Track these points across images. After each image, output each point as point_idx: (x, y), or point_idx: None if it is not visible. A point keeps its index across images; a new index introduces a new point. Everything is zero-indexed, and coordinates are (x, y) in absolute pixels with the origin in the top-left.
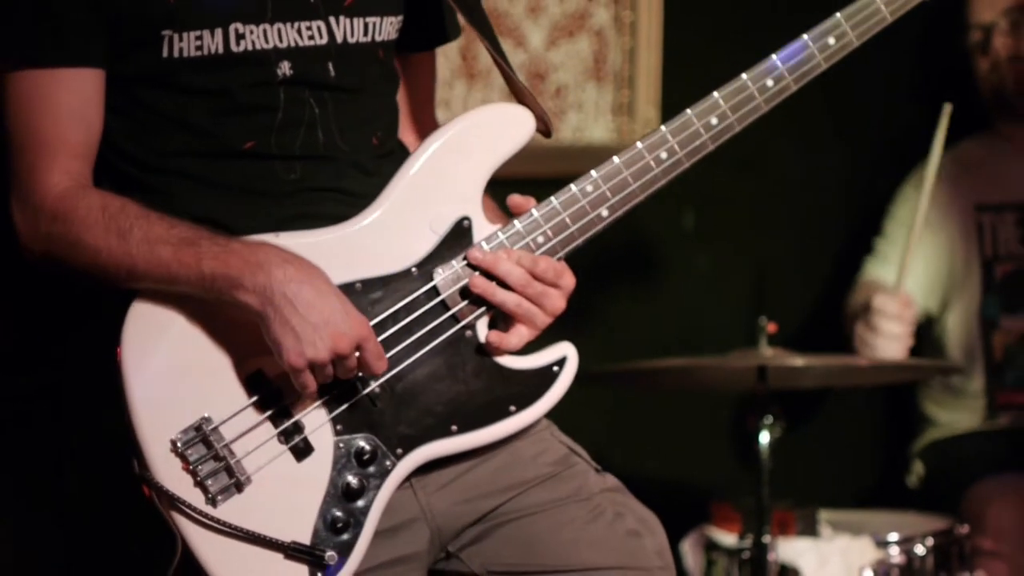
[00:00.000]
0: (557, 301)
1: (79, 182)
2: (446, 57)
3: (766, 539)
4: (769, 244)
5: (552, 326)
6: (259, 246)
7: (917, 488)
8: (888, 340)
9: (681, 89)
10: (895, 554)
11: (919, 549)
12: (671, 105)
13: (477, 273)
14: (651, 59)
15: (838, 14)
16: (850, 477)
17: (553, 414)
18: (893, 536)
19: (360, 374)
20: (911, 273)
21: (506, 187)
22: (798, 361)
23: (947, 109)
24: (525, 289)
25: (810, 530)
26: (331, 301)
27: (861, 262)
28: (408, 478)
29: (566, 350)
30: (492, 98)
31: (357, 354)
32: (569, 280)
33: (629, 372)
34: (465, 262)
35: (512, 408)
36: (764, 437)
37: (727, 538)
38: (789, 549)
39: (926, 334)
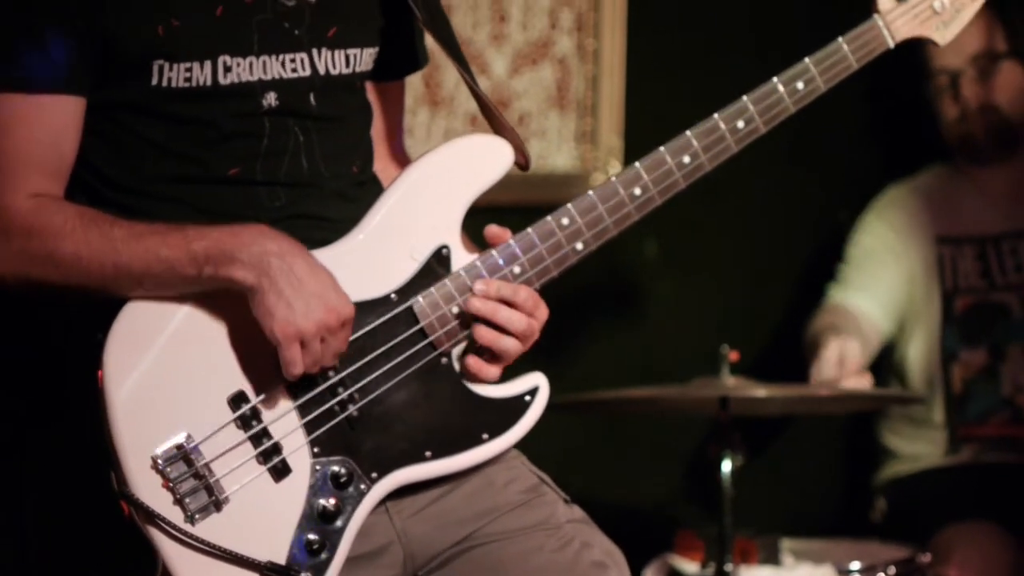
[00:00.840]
0: (535, 334)
1: (51, 198)
2: (409, 84)
3: (728, 567)
4: (732, 272)
5: (520, 359)
6: (247, 225)
7: (880, 523)
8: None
9: (644, 117)
10: None
11: None
12: (634, 133)
13: (472, 302)
14: (614, 87)
15: (807, 59)
16: (813, 506)
17: (518, 442)
18: (855, 565)
19: (334, 371)
20: (874, 297)
21: (470, 214)
22: (760, 391)
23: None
24: (511, 326)
25: (772, 559)
26: (323, 276)
27: (824, 289)
28: (384, 503)
29: (538, 380)
30: (455, 125)
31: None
32: (544, 312)
33: (591, 402)
34: (445, 290)
35: (485, 436)
36: (726, 465)
37: (690, 566)
38: None
39: (887, 362)
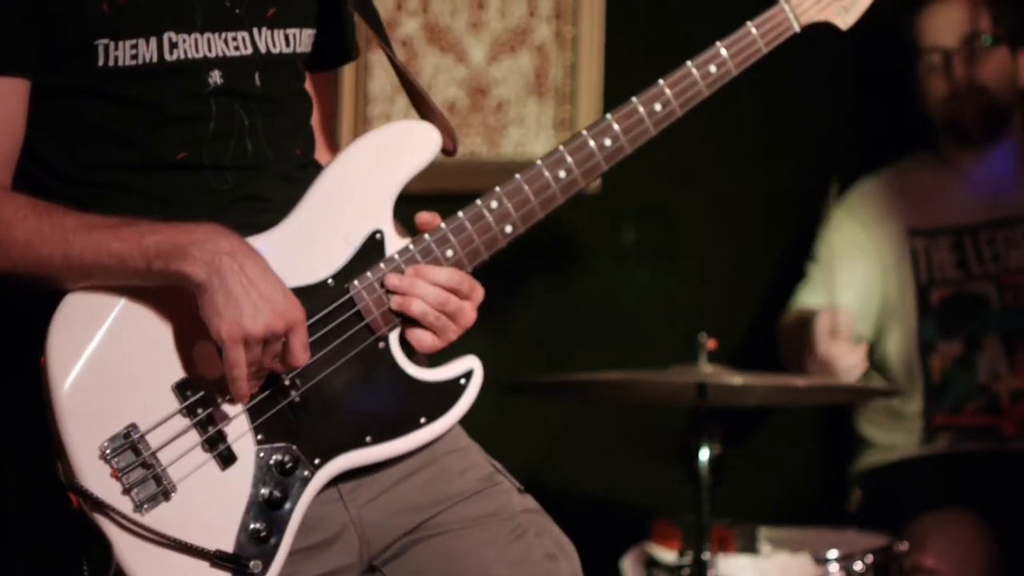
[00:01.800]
0: (469, 314)
1: (1, 187)
2: (387, 72)
3: (706, 556)
4: (710, 259)
5: (498, 337)
6: (202, 222)
7: (856, 513)
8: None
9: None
10: (835, 571)
11: (858, 566)
12: None
13: (389, 277)
14: (593, 75)
15: (718, 43)
16: (790, 494)
17: (494, 428)
18: (832, 553)
19: (281, 369)
20: (842, 302)
21: (451, 201)
22: (737, 379)
23: (835, 185)
24: (443, 307)
25: (750, 547)
26: (273, 280)
27: (798, 283)
28: (339, 491)
29: (472, 363)
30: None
31: (284, 342)
32: (480, 293)
33: (568, 383)
34: (380, 274)
35: (423, 420)
36: (704, 454)
37: (667, 555)
38: (729, 566)
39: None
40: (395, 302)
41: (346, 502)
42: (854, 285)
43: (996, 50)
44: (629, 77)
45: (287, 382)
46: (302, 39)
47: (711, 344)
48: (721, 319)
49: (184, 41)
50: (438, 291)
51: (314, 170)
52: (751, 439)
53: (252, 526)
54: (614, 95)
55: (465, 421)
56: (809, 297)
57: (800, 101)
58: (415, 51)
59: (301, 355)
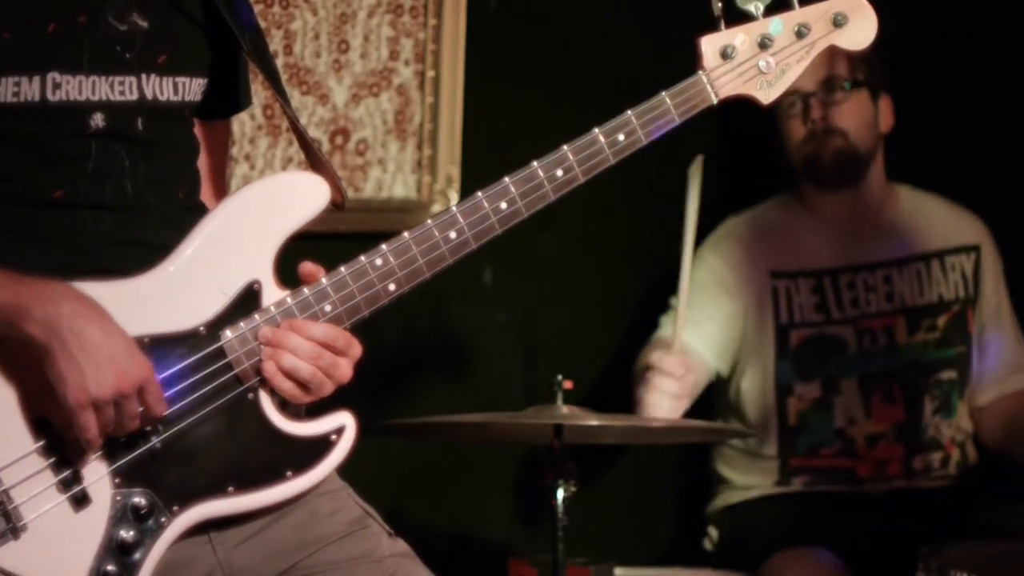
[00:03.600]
0: (345, 370)
1: None
2: (249, 113)
3: None
4: (569, 301)
5: (355, 382)
6: (54, 282)
7: (713, 552)
8: (661, 396)
9: (482, 148)
10: None
11: None
12: (472, 163)
13: (266, 352)
14: (453, 117)
15: (629, 112)
16: (646, 534)
17: (351, 468)
18: None
19: (140, 423)
20: (703, 335)
21: (308, 241)
22: (593, 420)
23: (699, 160)
24: (316, 361)
25: None
26: (117, 341)
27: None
28: (208, 534)
29: (344, 420)
30: (297, 155)
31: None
32: (357, 350)
33: (426, 426)
34: (254, 325)
35: (289, 473)
36: (560, 493)
37: None
38: None
39: (721, 397)
40: (266, 354)
41: (214, 545)
42: (717, 321)
43: (855, 94)
44: (489, 120)
45: (148, 427)
46: (192, 88)
47: (568, 385)
48: (580, 361)
49: (68, 82)
50: (311, 345)
51: (199, 214)
52: (607, 478)
53: (103, 568)
54: (474, 138)
55: None
56: (668, 330)
57: (664, 144)
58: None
59: (157, 407)
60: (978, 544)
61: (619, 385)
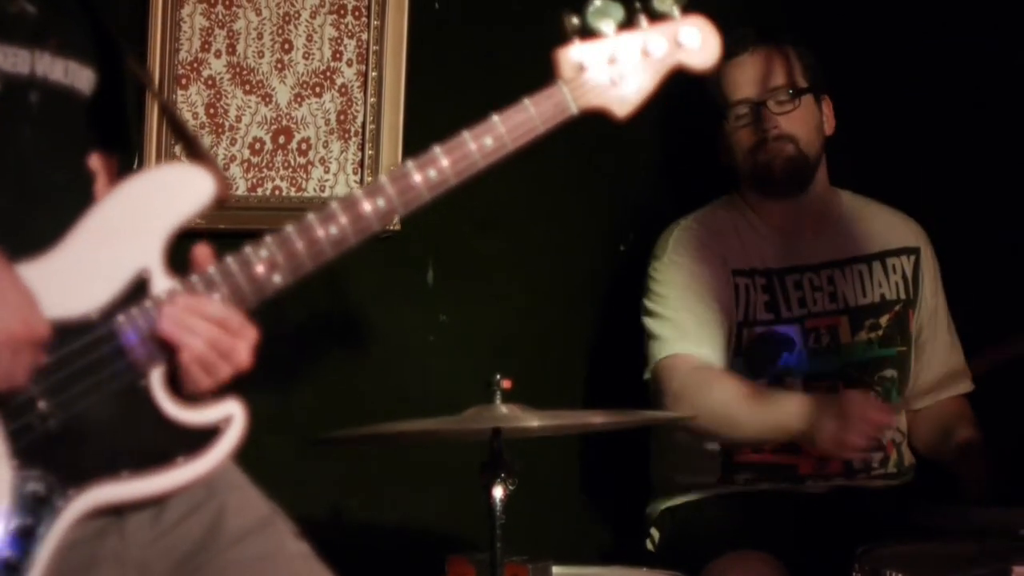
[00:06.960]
0: (242, 353)
1: None
2: (192, 111)
3: None
4: (509, 300)
5: (296, 386)
6: None
7: (655, 553)
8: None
9: (424, 147)
10: None
11: None
12: None
13: (163, 322)
14: (395, 118)
15: (495, 116)
16: (587, 533)
17: (290, 466)
18: None
19: (27, 383)
20: (714, 340)
21: (254, 239)
22: (532, 420)
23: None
24: (216, 343)
25: None
26: (25, 293)
27: (597, 315)
28: (120, 532)
29: (232, 408)
30: (240, 152)
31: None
32: (252, 333)
33: (365, 437)
34: (144, 311)
35: (180, 459)
36: (497, 491)
37: None
38: None
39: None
40: (164, 333)
41: (126, 544)
42: (715, 323)
43: (800, 100)
44: (430, 120)
45: (45, 410)
46: (81, 76)
47: (506, 384)
48: (520, 359)
49: None
50: (206, 325)
51: (88, 203)
52: (546, 476)
53: (4, 553)
54: (415, 138)
55: (259, 459)
56: (679, 348)
57: (603, 143)
58: (221, 91)
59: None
60: (911, 544)
61: (560, 380)
